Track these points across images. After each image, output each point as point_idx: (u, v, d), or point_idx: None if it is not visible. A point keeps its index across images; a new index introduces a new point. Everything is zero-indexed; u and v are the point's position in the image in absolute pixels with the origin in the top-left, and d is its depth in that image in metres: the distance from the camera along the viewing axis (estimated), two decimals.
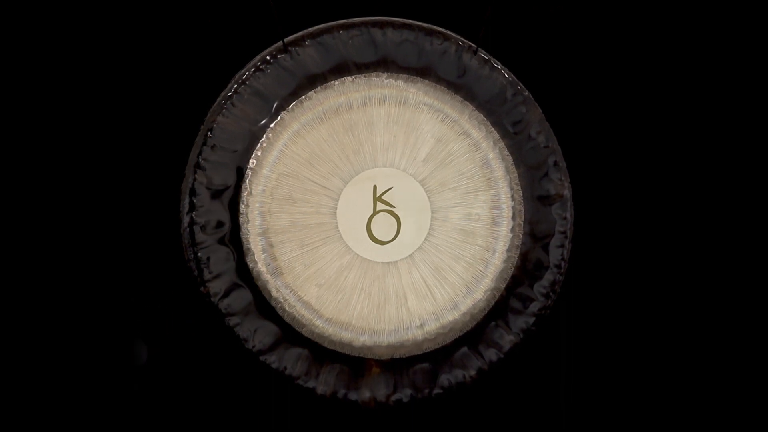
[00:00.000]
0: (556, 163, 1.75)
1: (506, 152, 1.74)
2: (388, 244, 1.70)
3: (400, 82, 1.72)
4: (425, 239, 1.72)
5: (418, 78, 1.72)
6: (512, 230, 1.74)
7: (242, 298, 1.68)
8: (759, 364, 2.04)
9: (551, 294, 1.74)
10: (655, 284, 2.06)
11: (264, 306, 1.69)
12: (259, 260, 1.68)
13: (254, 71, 1.69)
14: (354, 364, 1.71)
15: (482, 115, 1.74)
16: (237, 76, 1.70)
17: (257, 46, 1.72)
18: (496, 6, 1.66)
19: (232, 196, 1.68)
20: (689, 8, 2.02)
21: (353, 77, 1.71)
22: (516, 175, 1.74)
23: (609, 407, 2.06)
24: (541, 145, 1.74)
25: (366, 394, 1.71)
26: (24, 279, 1.69)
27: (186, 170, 1.68)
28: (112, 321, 1.75)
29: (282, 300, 1.70)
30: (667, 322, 2.06)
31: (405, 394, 1.72)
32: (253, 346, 1.68)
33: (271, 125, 1.70)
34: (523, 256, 1.74)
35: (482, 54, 1.73)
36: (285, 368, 1.69)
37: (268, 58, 1.70)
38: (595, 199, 1.97)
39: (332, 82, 1.71)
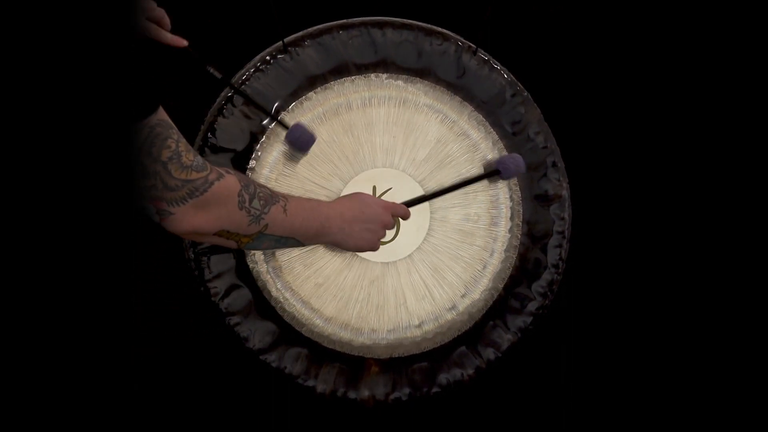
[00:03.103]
0: (554, 164, 1.75)
1: (505, 153, 1.75)
2: (387, 245, 1.71)
3: (399, 83, 1.72)
4: (424, 239, 1.72)
5: (418, 78, 1.73)
6: (510, 230, 1.75)
7: (242, 297, 1.69)
8: (757, 360, 2.05)
9: (549, 294, 1.75)
10: (653, 284, 2.07)
11: (264, 306, 1.70)
12: (259, 260, 1.69)
13: (254, 71, 1.69)
14: (353, 363, 1.72)
15: (481, 116, 1.74)
16: (237, 76, 1.70)
17: (257, 46, 1.72)
18: (496, 6, 1.65)
19: None
20: (689, 8, 2.02)
21: (353, 78, 1.71)
22: None
23: (607, 406, 2.07)
24: (539, 145, 1.75)
25: (365, 393, 1.72)
26: (23, 279, 1.69)
27: None
28: (111, 321, 1.75)
29: (282, 299, 1.70)
30: (665, 321, 2.07)
31: (404, 392, 1.73)
32: (253, 346, 1.69)
33: (271, 126, 1.70)
34: (522, 257, 1.75)
35: (482, 54, 1.74)
36: (285, 367, 1.70)
37: (268, 58, 1.69)
38: (593, 199, 1.98)
39: (332, 82, 1.71)
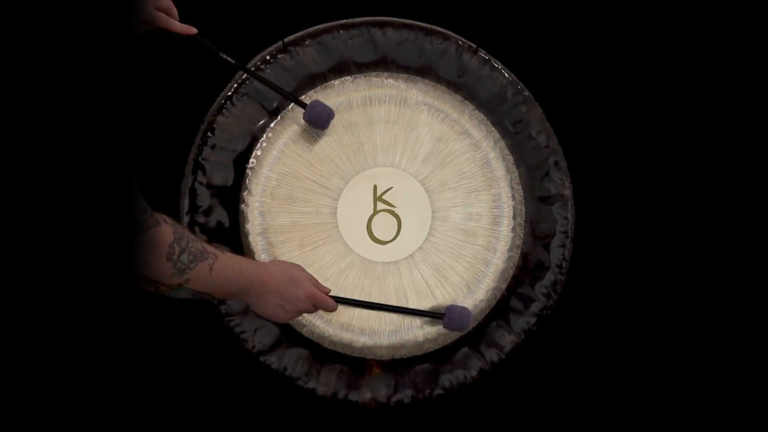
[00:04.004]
0: (556, 163, 1.74)
1: (507, 152, 1.74)
2: (389, 244, 1.70)
3: (400, 82, 1.72)
4: (426, 239, 1.71)
5: (418, 78, 1.72)
6: (513, 230, 1.74)
7: None
8: (757, 358, 2.03)
9: (552, 294, 1.74)
10: (657, 284, 2.05)
11: None
12: (259, 260, 1.68)
13: (254, 70, 1.68)
14: (354, 364, 1.71)
15: (482, 115, 1.74)
16: (237, 76, 1.70)
17: (257, 46, 1.72)
18: (496, 6, 1.65)
19: (232, 196, 1.68)
20: (689, 8, 2.02)
21: (353, 77, 1.71)
22: (516, 174, 1.74)
23: (611, 407, 2.05)
24: (541, 144, 1.74)
25: (366, 395, 1.70)
26: (23, 278, 1.68)
27: (186, 170, 1.68)
28: (111, 321, 1.74)
29: None
30: (669, 321, 2.06)
31: (406, 394, 1.71)
32: (254, 347, 1.68)
33: (271, 125, 1.69)
34: (524, 256, 1.73)
35: (482, 54, 1.73)
36: (285, 369, 1.68)
37: (268, 58, 1.70)
38: (596, 198, 1.97)
39: (332, 81, 1.71)
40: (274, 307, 1.48)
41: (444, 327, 1.66)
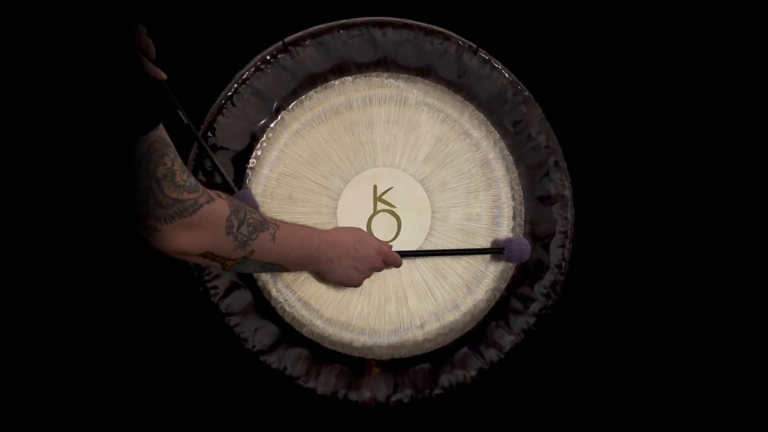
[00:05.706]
0: (556, 163, 1.75)
1: (507, 152, 1.74)
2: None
3: (400, 82, 1.72)
4: (425, 239, 1.71)
5: (419, 78, 1.72)
6: (513, 230, 1.74)
7: (242, 298, 1.68)
8: (757, 357, 2.04)
9: (552, 294, 1.74)
10: (656, 284, 2.06)
11: (264, 306, 1.69)
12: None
13: (254, 71, 1.69)
14: (354, 364, 1.71)
15: (482, 115, 1.74)
16: (237, 76, 1.70)
17: (257, 46, 1.72)
18: (496, 6, 1.65)
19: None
20: (689, 8, 2.02)
21: (353, 77, 1.71)
22: (516, 175, 1.74)
23: (610, 406, 2.06)
24: (541, 145, 1.74)
25: (366, 395, 1.71)
26: (23, 277, 1.68)
27: None
28: (111, 321, 1.74)
29: (282, 300, 1.69)
30: (669, 321, 2.06)
31: (405, 394, 1.71)
32: (253, 346, 1.68)
33: (271, 125, 1.70)
34: None
35: (482, 54, 1.73)
36: (285, 368, 1.69)
37: (268, 58, 1.69)
38: (595, 199, 1.97)
39: (332, 81, 1.71)
40: (348, 269, 1.54)
41: (505, 260, 1.70)
